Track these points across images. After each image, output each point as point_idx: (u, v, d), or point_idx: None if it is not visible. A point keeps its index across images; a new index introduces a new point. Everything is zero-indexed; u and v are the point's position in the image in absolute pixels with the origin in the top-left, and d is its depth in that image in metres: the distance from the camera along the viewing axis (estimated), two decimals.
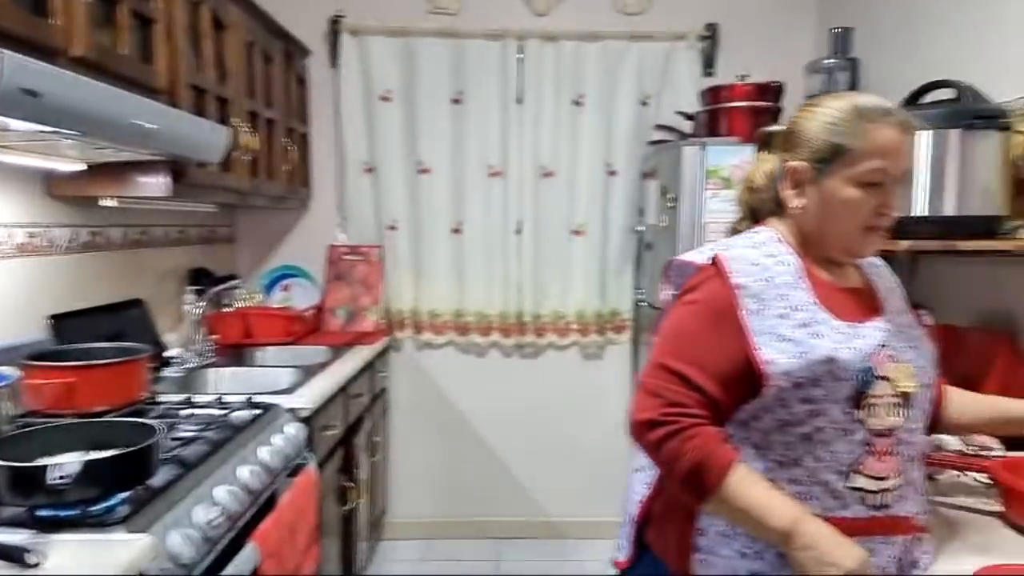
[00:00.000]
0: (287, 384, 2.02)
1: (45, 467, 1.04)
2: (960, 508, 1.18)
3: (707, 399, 0.99)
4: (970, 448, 1.32)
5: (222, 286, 2.47)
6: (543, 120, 2.85)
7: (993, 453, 1.33)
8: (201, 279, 2.49)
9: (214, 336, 2.38)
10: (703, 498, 0.98)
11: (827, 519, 0.95)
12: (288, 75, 2.66)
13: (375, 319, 2.94)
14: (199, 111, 1.88)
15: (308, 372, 2.15)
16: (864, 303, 1.05)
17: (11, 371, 1.27)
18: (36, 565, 0.95)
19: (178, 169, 1.81)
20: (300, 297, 2.96)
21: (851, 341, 0.98)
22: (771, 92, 2.30)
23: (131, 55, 1.58)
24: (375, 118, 2.88)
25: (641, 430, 1.01)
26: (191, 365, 2.14)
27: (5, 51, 1.01)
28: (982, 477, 1.23)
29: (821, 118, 1.03)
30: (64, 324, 1.79)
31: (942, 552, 1.03)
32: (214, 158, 1.79)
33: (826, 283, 1.05)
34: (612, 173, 2.88)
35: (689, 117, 2.51)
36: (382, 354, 2.86)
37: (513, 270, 2.96)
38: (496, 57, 2.83)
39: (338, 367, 2.26)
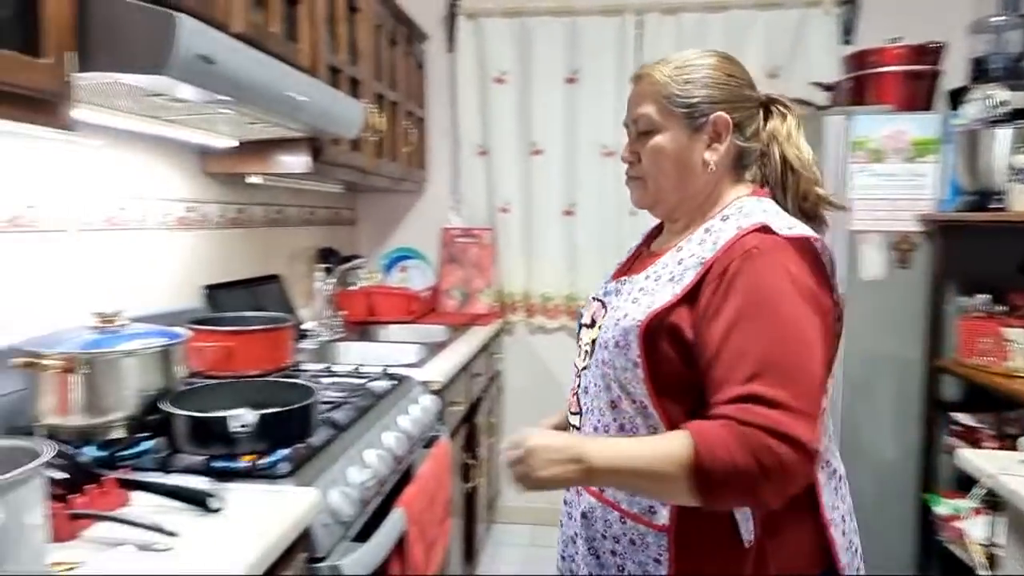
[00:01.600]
0: (414, 359, 2.05)
1: (226, 417, 1.08)
2: None
3: None
4: None
5: (348, 265, 2.54)
6: None
7: None
8: (329, 258, 2.58)
9: (341, 312, 2.46)
10: None
11: None
12: (409, 59, 2.70)
13: (488, 301, 2.96)
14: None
15: (431, 349, 2.18)
16: (639, 264, 1.09)
17: (183, 331, 1.34)
18: (218, 510, 0.99)
19: (315, 148, 1.87)
20: (416, 278, 3.02)
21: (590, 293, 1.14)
22: (930, 54, 2.12)
23: (280, 33, 1.64)
24: (489, 100, 2.89)
25: None
26: (324, 338, 2.22)
27: (182, 15, 1.05)
28: None
29: None
30: (216, 294, 1.88)
31: None
32: (351, 134, 1.83)
33: (646, 246, 1.14)
34: None
35: (827, 88, 2.36)
36: (496, 336, 2.86)
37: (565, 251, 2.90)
38: (612, 34, 2.77)
39: (459, 346, 2.28)
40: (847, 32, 2.64)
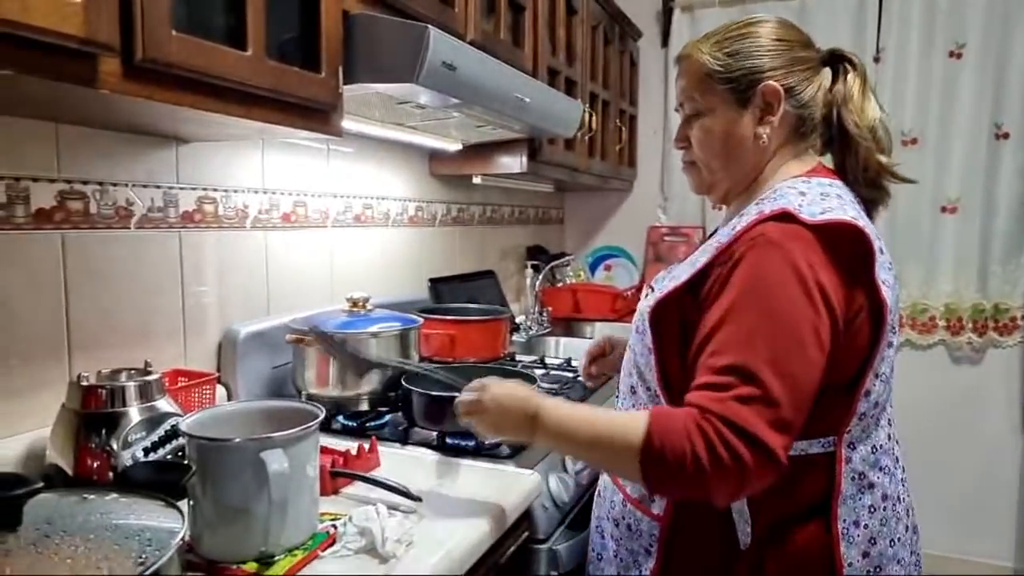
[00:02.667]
0: None
1: None
2: None
3: None
4: None
5: (556, 263, 2.61)
6: (906, 79, 2.48)
7: None
8: (537, 256, 2.67)
9: (547, 308, 2.53)
10: None
11: None
12: (622, 57, 2.70)
13: None
14: None
15: None
16: (694, 249, 1.02)
17: (416, 318, 1.47)
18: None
19: (532, 148, 1.94)
20: (621, 277, 3.01)
21: None
22: None
23: (506, 40, 1.72)
24: None
25: None
26: (532, 332, 2.30)
27: (431, 26, 1.14)
28: None
29: None
30: (438, 286, 2.04)
31: None
32: (569, 133, 1.87)
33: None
34: (1002, 136, 2.38)
35: None
36: None
37: None
38: (849, 12, 2.54)
39: None
40: None
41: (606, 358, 1.28)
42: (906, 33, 2.46)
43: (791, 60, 0.94)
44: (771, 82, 0.93)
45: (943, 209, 2.48)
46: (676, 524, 0.93)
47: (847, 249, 0.84)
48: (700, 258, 0.90)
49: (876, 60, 2.51)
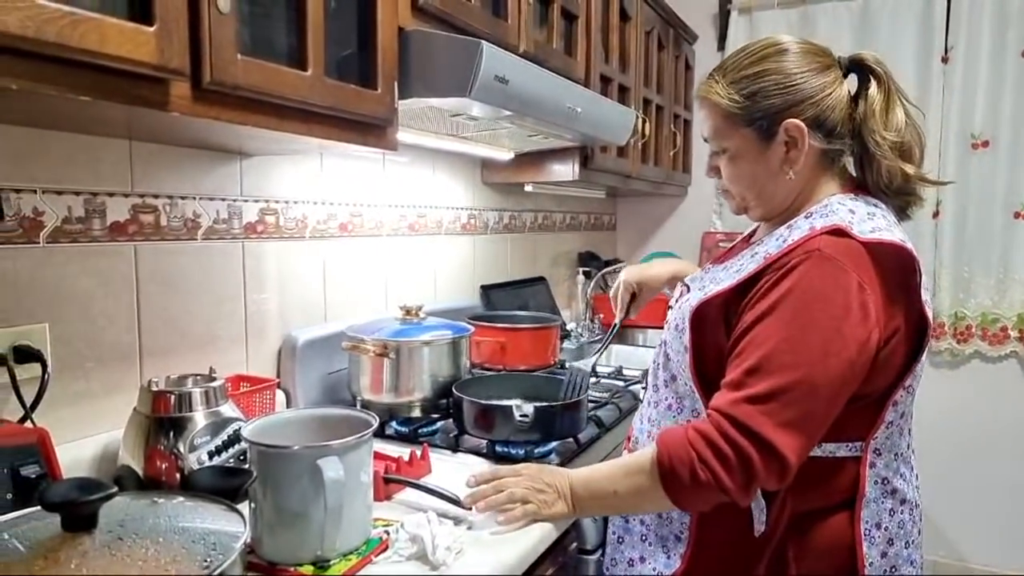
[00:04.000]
0: None
1: (511, 406, 1.18)
2: None
3: None
4: None
5: (607, 269, 2.60)
6: (977, 79, 2.37)
7: None
8: (589, 262, 2.66)
9: (599, 314, 2.52)
10: None
11: None
12: (677, 62, 2.67)
13: None
14: None
15: None
16: (730, 255, 1.07)
17: (468, 326, 1.49)
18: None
19: (584, 156, 1.94)
20: None
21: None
22: None
23: (559, 49, 1.73)
24: None
25: None
26: (583, 339, 2.30)
27: (483, 42, 1.16)
28: None
29: None
30: (490, 293, 2.06)
31: None
32: (621, 141, 1.86)
33: (747, 240, 1.11)
34: None
35: None
36: None
37: (928, 260, 2.52)
38: (915, 11, 2.44)
39: None
40: None
41: (637, 301, 1.47)
42: (976, 32, 2.35)
43: (810, 91, 0.93)
44: (793, 120, 0.93)
45: (1016, 215, 2.36)
46: (706, 513, 0.96)
47: (894, 269, 0.87)
48: (748, 265, 0.92)
49: (944, 60, 2.41)
